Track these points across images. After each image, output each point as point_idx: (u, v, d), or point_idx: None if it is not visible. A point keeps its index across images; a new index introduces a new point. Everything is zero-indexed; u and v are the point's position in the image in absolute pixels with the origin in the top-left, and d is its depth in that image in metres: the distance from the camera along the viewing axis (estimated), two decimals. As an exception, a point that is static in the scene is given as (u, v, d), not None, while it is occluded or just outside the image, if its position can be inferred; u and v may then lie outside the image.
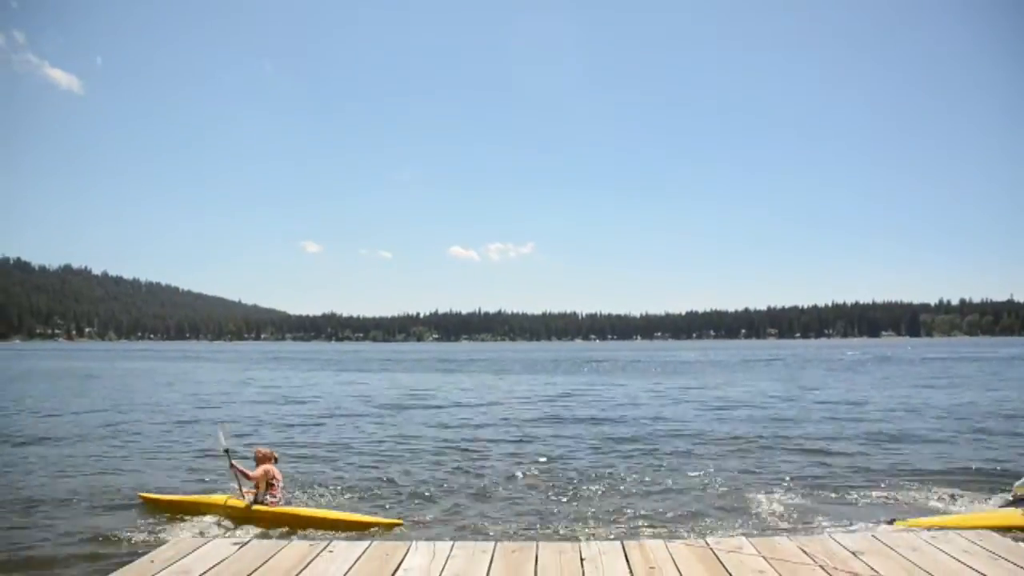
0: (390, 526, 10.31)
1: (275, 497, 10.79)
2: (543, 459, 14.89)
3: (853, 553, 5.74)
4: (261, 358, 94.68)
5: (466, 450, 16.30)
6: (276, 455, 11.17)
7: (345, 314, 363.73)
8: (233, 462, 11.01)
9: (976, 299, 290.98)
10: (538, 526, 9.87)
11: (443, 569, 5.40)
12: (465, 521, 10.38)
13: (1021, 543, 6.20)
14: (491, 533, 9.57)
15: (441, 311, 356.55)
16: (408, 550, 5.86)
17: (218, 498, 11.34)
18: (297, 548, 5.99)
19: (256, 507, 10.68)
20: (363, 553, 5.78)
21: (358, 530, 10.19)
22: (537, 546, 6.00)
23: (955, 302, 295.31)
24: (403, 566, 5.46)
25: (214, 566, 5.42)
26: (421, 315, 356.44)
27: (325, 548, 5.94)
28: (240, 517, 10.77)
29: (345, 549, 5.92)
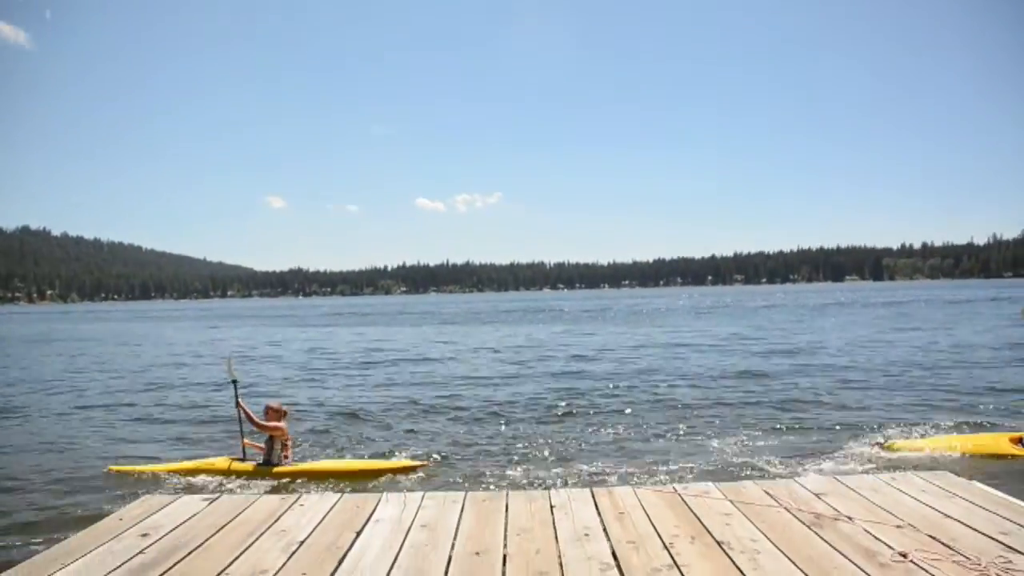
0: (415, 468, 10.46)
1: (288, 459, 10.18)
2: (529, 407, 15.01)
3: (816, 495, 5.89)
4: (227, 315, 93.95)
5: (438, 403, 16.32)
6: (286, 410, 10.43)
7: (312, 269, 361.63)
8: (240, 399, 10.18)
9: (938, 243, 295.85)
10: (509, 474, 9.93)
11: (414, 519, 5.45)
12: (471, 464, 10.66)
13: (974, 481, 6.37)
14: (499, 482, 9.60)
15: (409, 264, 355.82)
16: (379, 501, 5.91)
17: (219, 461, 10.38)
18: (268, 502, 6.01)
19: (276, 468, 9.99)
20: (334, 506, 5.81)
21: (387, 475, 10.19)
22: (507, 494, 6.08)
23: (917, 246, 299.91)
24: (374, 517, 5.51)
25: (184, 522, 5.43)
26: (389, 268, 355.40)
27: (296, 501, 5.97)
28: (252, 479, 9.95)
29: (316, 502, 5.96)
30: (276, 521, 5.45)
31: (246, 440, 10.45)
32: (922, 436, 11.02)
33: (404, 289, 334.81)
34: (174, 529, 5.28)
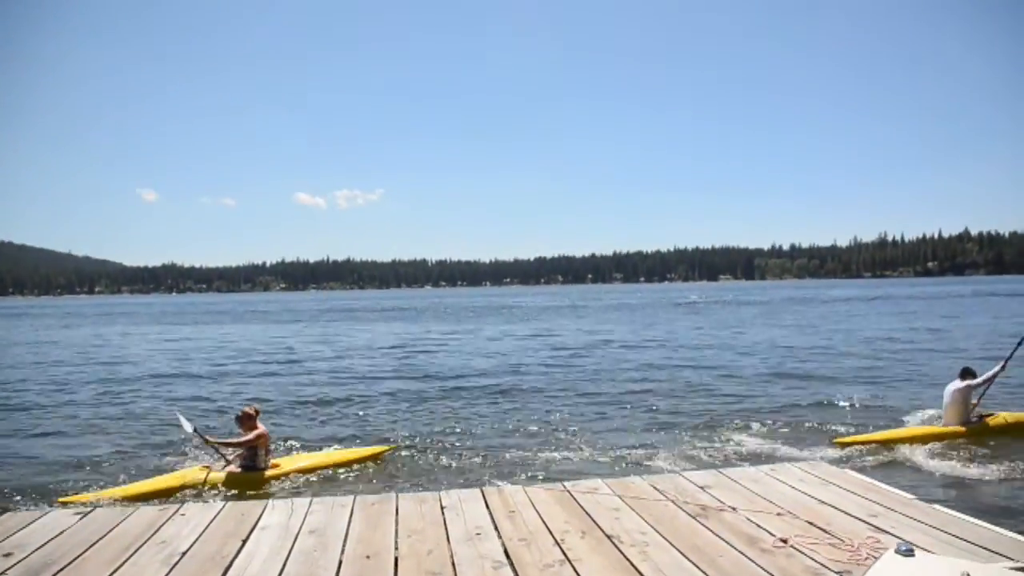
0: (383, 452, 10.47)
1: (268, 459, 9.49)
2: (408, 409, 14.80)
3: (701, 488, 6.06)
4: (94, 313, 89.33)
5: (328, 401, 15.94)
6: (258, 409, 9.62)
7: (186, 264, 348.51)
8: (208, 438, 9.29)
9: (804, 244, 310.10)
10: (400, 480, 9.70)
11: (302, 524, 5.32)
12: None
13: (846, 469, 6.71)
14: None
15: (288, 260, 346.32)
16: (265, 508, 5.74)
17: (190, 473, 9.21)
18: (145, 513, 5.74)
19: (267, 473, 9.29)
20: (218, 514, 5.61)
21: (360, 462, 10.05)
22: (397, 497, 6.01)
23: (786, 247, 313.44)
24: (260, 524, 5.34)
25: (53, 539, 5.10)
26: (267, 264, 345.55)
27: (177, 511, 5.72)
28: (240, 487, 9.10)
29: (199, 511, 5.73)
30: (155, 533, 5.20)
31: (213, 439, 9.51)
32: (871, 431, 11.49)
33: (283, 286, 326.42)
34: (41, 547, 4.95)
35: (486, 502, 5.78)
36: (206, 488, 8.95)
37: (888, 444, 10.40)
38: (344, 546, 4.85)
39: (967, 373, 10.89)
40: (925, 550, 4.39)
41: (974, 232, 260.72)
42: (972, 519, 5.04)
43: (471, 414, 14.23)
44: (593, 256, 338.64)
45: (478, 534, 5.03)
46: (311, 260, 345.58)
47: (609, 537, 4.88)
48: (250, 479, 9.22)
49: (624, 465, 9.86)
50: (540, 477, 9.08)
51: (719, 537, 4.83)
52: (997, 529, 4.82)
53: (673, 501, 5.67)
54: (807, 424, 12.16)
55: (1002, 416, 11.06)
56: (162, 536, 5.13)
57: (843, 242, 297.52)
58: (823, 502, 5.54)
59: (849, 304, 62.28)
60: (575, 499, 5.81)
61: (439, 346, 30.54)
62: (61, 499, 8.42)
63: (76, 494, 8.70)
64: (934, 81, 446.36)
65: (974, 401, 10.91)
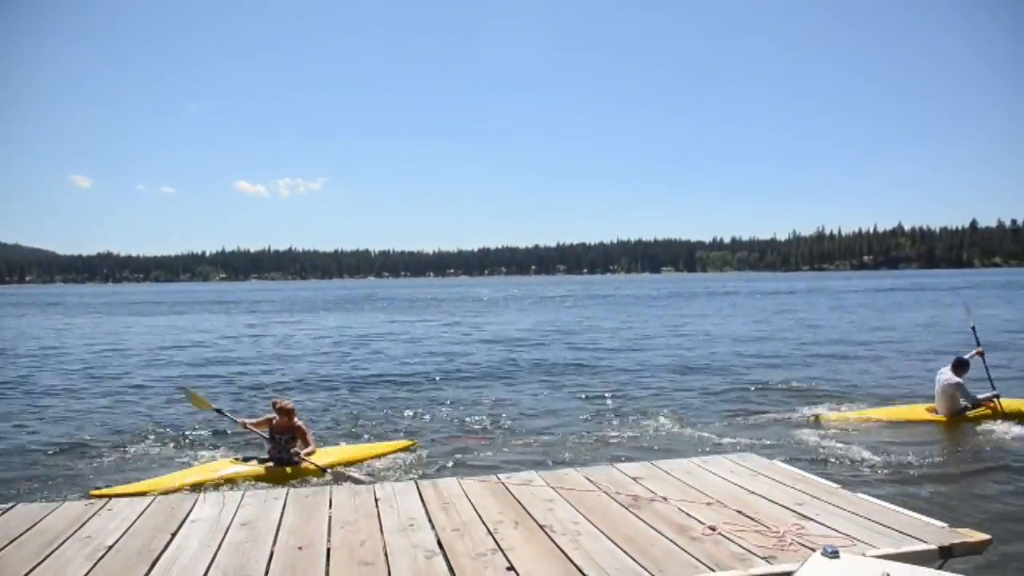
0: (410, 447, 10.17)
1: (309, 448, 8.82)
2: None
3: (633, 479, 6.14)
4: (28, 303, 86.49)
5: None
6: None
7: (123, 253, 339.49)
8: (244, 422, 8.99)
9: (745, 237, 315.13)
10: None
11: (234, 517, 5.26)
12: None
13: (776, 461, 6.85)
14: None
15: (228, 249, 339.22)
16: (196, 502, 5.66)
17: (221, 465, 8.78)
18: (70, 508, 5.60)
19: (303, 466, 8.67)
20: (146, 508, 5.51)
21: (388, 455, 9.70)
22: (331, 490, 5.98)
23: (727, 240, 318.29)
24: (190, 517, 5.26)
25: (-28, 534, 4.98)
26: (207, 253, 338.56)
27: (104, 506, 5.60)
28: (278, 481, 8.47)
29: (126, 505, 5.62)
30: (80, 528, 5.08)
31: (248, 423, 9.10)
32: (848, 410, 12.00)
33: (223, 276, 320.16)
34: (-41, 543, 4.80)
35: (420, 494, 5.78)
36: (241, 481, 8.40)
37: (868, 421, 10.99)
38: (276, 538, 4.82)
39: (960, 365, 11.08)
40: (846, 535, 4.53)
41: (907, 228, 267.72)
42: (893, 507, 5.21)
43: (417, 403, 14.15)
44: (537, 247, 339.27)
45: (411, 525, 5.03)
46: (252, 250, 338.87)
47: (542, 527, 4.92)
48: (283, 473, 8.69)
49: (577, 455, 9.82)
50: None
51: (650, 526, 4.91)
52: (917, 516, 4.99)
53: (606, 492, 5.74)
54: (750, 412, 12.41)
55: (997, 404, 11.17)
56: (87, 531, 5.02)
57: (782, 236, 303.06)
58: (752, 492, 5.67)
59: (801, 296, 63.47)
60: (509, 491, 5.84)
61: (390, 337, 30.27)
62: (93, 492, 7.93)
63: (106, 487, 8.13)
64: (868, 81, 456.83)
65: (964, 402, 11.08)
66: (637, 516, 5.14)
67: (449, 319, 41.35)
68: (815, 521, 4.90)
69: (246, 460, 8.89)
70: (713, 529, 4.77)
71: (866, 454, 9.30)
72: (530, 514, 5.21)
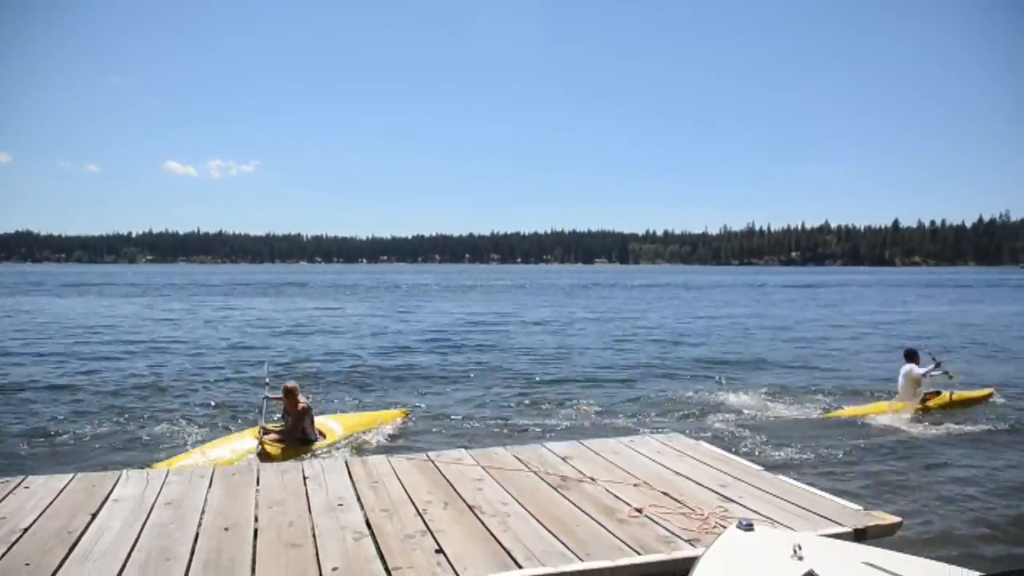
0: (406, 414, 10.73)
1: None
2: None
3: (563, 459, 6.22)
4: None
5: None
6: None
7: (43, 232, 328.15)
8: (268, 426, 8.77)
9: (677, 231, 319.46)
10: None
11: (158, 496, 5.17)
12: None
13: (701, 442, 7.00)
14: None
15: (156, 231, 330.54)
16: (118, 480, 5.54)
17: (244, 435, 8.77)
18: (-17, 486, 5.43)
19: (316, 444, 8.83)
20: (66, 486, 5.37)
21: (381, 424, 10.06)
22: (258, 468, 5.92)
23: (660, 233, 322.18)
24: (112, 496, 5.16)
25: None
26: (133, 235, 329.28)
27: (20, 484, 5.44)
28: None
29: (43, 483, 5.46)
30: (-5, 506, 4.94)
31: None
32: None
33: (150, 258, 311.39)
34: None
35: (349, 472, 5.76)
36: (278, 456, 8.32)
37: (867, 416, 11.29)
38: (202, 518, 4.75)
39: (912, 355, 11.74)
40: (767, 518, 4.67)
41: (833, 226, 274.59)
42: (812, 489, 5.38)
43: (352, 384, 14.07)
44: (471, 236, 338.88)
45: (340, 504, 5.02)
46: (181, 232, 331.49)
47: (471, 507, 4.95)
48: (307, 451, 8.69)
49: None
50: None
51: (578, 507, 4.98)
52: (834, 498, 5.17)
53: (535, 472, 5.80)
54: (679, 398, 12.66)
55: (947, 395, 11.99)
56: (5, 510, 4.87)
57: (714, 230, 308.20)
58: (678, 473, 5.79)
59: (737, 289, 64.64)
60: (439, 469, 5.86)
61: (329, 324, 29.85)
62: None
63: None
64: (798, 81, 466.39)
65: (920, 389, 11.73)
66: (565, 497, 5.21)
67: (378, 306, 41.13)
68: (738, 503, 5.03)
69: (266, 432, 8.71)
70: (639, 511, 4.86)
71: (792, 437, 9.57)
72: (459, 494, 5.24)
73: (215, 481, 5.52)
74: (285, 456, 8.36)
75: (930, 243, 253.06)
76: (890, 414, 11.26)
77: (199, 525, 4.63)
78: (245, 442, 8.51)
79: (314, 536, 4.45)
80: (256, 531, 4.55)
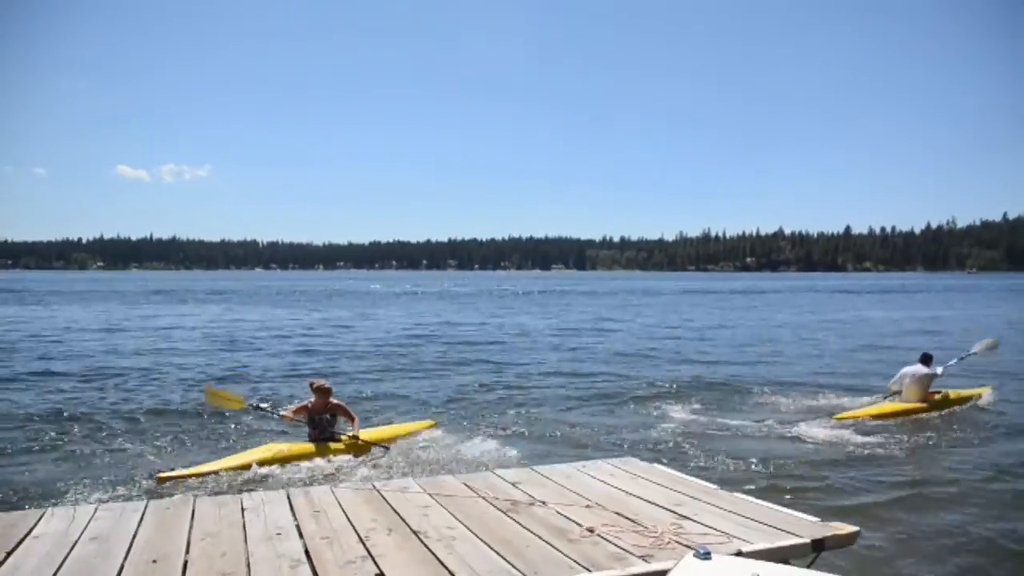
0: (432, 426, 10.77)
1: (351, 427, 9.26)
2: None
3: (512, 484, 6.02)
4: None
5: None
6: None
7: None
8: (281, 412, 9.29)
9: (634, 237, 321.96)
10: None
11: (83, 531, 4.86)
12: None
13: (656, 464, 6.86)
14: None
15: (107, 236, 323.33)
16: (41, 517, 5.19)
17: (274, 447, 8.98)
18: None
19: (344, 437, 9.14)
20: (-18, 525, 5.04)
21: (414, 435, 10.20)
22: (194, 500, 5.64)
23: (616, 239, 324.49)
24: (33, 534, 4.83)
25: None
26: (83, 240, 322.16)
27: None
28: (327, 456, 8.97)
29: (-42, 522, 5.12)
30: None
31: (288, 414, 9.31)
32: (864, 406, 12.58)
33: (101, 264, 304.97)
34: None
35: (291, 503, 5.52)
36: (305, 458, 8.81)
37: (881, 417, 11.75)
38: (129, 551, 4.47)
39: (927, 358, 12.24)
40: (722, 532, 4.54)
41: (787, 232, 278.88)
42: (768, 504, 5.28)
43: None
44: (429, 242, 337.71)
45: (278, 534, 4.78)
46: (133, 237, 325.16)
47: (415, 532, 4.75)
48: (328, 448, 9.04)
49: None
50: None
51: (527, 529, 4.80)
52: (790, 512, 5.07)
53: (484, 498, 5.61)
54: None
55: (946, 392, 12.50)
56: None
57: (670, 236, 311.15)
58: (631, 494, 5.63)
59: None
60: (384, 498, 5.64)
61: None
62: (160, 475, 8.11)
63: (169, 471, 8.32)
64: (751, 88, 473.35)
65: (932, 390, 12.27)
66: (514, 520, 5.02)
67: (333, 314, 40.58)
68: (693, 520, 4.89)
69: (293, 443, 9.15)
70: (591, 531, 4.70)
71: (749, 452, 9.51)
72: (404, 520, 5.03)
73: (147, 515, 5.21)
74: (318, 453, 8.90)
75: (880, 249, 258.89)
76: (892, 413, 11.90)
77: (125, 558, 4.36)
78: (268, 450, 8.82)
79: (248, 565, 4.22)
80: (186, 562, 4.30)
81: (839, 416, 11.82)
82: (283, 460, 8.74)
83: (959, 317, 37.12)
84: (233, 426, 11.08)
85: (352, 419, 9.26)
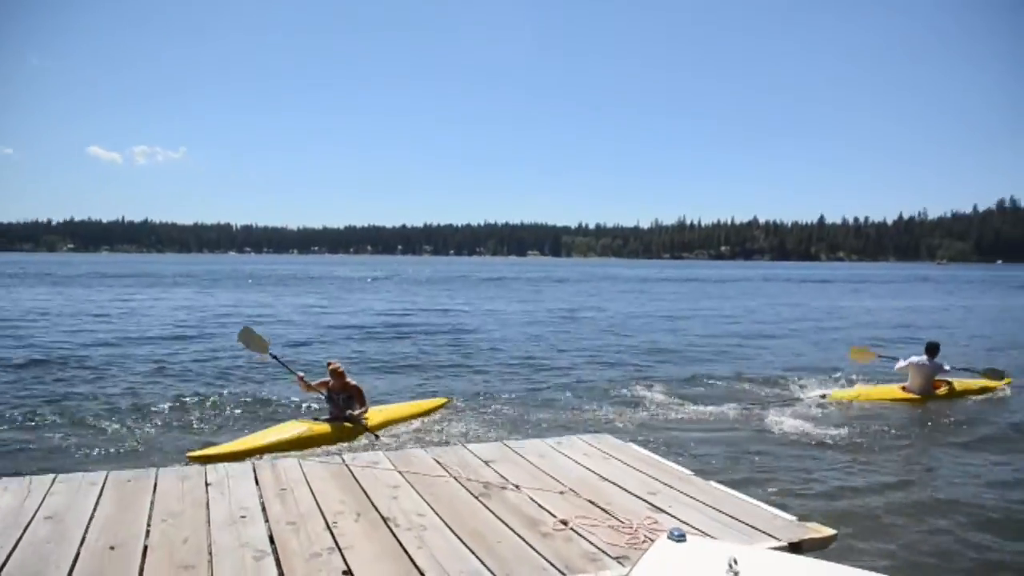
0: (447, 403, 10.89)
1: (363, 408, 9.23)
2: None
3: (485, 462, 5.91)
4: None
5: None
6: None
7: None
8: (302, 376, 9.24)
9: (609, 224, 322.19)
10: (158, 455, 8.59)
11: (39, 508, 4.69)
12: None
13: (630, 443, 6.76)
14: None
15: (78, 218, 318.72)
16: (-5, 488, 5.03)
17: (298, 425, 9.04)
18: None
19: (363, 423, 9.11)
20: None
21: (429, 413, 10.30)
22: (156, 473, 5.46)
23: (592, 226, 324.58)
24: (-14, 508, 4.66)
25: None
26: (53, 222, 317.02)
27: None
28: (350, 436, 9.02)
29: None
30: None
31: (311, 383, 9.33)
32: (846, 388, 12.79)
33: (71, 246, 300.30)
34: None
35: (256, 478, 5.38)
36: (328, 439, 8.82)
37: (868, 399, 11.92)
38: (85, 535, 4.31)
39: (933, 348, 12.08)
40: (699, 531, 4.42)
41: (762, 221, 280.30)
42: (744, 498, 5.18)
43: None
44: (404, 227, 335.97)
45: (243, 517, 4.63)
46: (104, 220, 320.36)
47: (385, 520, 4.61)
48: (344, 429, 9.05)
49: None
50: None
51: (500, 519, 4.68)
52: (767, 508, 4.97)
53: (455, 477, 5.48)
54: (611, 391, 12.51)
55: (952, 384, 12.43)
56: None
57: (645, 224, 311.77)
58: (605, 479, 5.53)
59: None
60: (352, 473, 5.52)
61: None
62: (189, 454, 8.13)
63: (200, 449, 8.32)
64: (727, 79, 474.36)
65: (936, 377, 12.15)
66: (487, 507, 4.90)
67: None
68: (667, 513, 4.79)
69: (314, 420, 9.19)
70: (565, 524, 4.58)
71: (724, 438, 9.43)
72: (373, 503, 4.90)
73: (107, 490, 5.05)
74: (339, 432, 8.94)
75: (854, 239, 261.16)
76: (899, 401, 11.96)
77: (81, 543, 4.19)
78: (291, 429, 8.82)
79: (210, 555, 4.06)
80: (146, 548, 4.14)
81: (832, 396, 11.93)
82: (306, 440, 8.75)
83: (933, 308, 37.53)
84: (241, 410, 10.86)
85: (362, 403, 9.29)
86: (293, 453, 8.00)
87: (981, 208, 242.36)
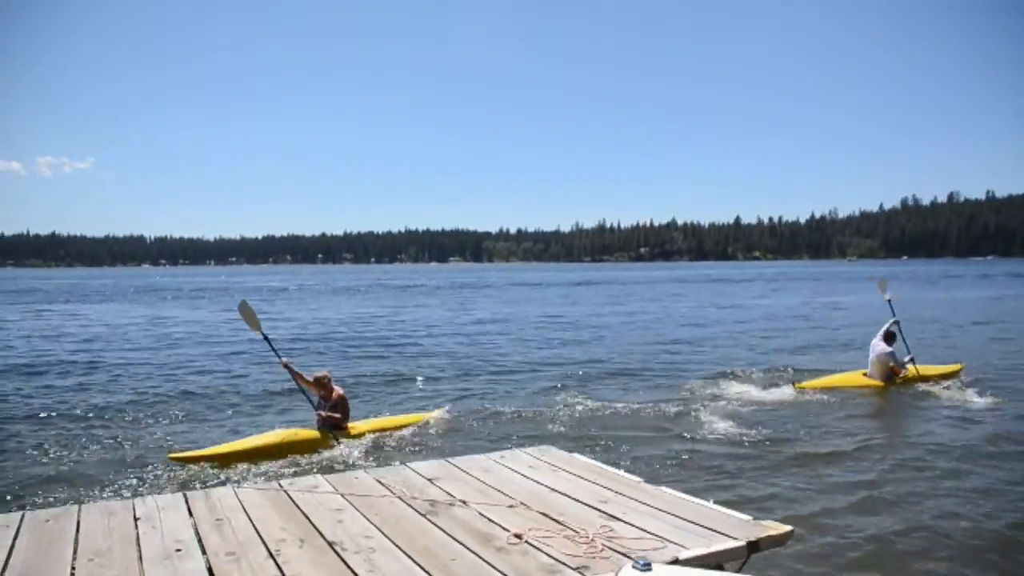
0: (430, 417, 10.82)
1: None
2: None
3: (429, 480, 5.72)
4: None
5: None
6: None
7: None
8: (287, 362, 9.51)
9: (531, 229, 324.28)
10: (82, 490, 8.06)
11: (-53, 555, 4.31)
12: None
13: (575, 454, 6.65)
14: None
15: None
16: (-99, 534, 4.62)
17: (286, 433, 9.21)
18: None
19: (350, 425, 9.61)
20: None
21: (412, 426, 10.30)
22: (79, 509, 5.10)
23: (513, 231, 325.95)
24: None
25: None
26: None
27: None
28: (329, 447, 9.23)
29: None
30: None
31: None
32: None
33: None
34: None
35: (189, 509, 5.07)
36: (310, 448, 9.10)
37: (838, 388, 12.34)
38: (2, 579, 3.97)
39: (890, 336, 12.64)
40: (655, 535, 4.33)
41: (680, 222, 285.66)
42: (697, 501, 5.11)
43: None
44: (324, 236, 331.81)
45: (178, 551, 4.33)
46: (7, 233, 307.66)
47: (331, 544, 4.38)
48: (337, 438, 9.33)
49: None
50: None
51: (451, 536, 4.50)
52: (721, 509, 4.91)
53: (400, 497, 5.28)
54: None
55: (913, 369, 12.92)
56: None
57: (566, 228, 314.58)
58: (554, 490, 5.40)
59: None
60: (292, 499, 5.25)
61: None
62: (171, 455, 8.39)
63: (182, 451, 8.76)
64: (648, 82, 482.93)
65: (892, 364, 12.64)
66: (436, 524, 4.71)
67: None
68: (623, 521, 4.68)
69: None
70: (519, 537, 4.42)
71: (667, 440, 9.42)
72: (317, 528, 4.65)
73: (23, 531, 4.67)
74: (324, 440, 9.24)
75: (769, 238, 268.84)
76: (862, 388, 12.47)
77: (-1, 590, 3.87)
78: (277, 435, 9.08)
79: (145, 593, 3.79)
80: (71, 591, 3.84)
81: (800, 385, 12.33)
82: (293, 446, 9.01)
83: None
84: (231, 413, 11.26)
85: (345, 413, 9.58)
86: (244, 471, 8.20)
87: (887, 207, 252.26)
